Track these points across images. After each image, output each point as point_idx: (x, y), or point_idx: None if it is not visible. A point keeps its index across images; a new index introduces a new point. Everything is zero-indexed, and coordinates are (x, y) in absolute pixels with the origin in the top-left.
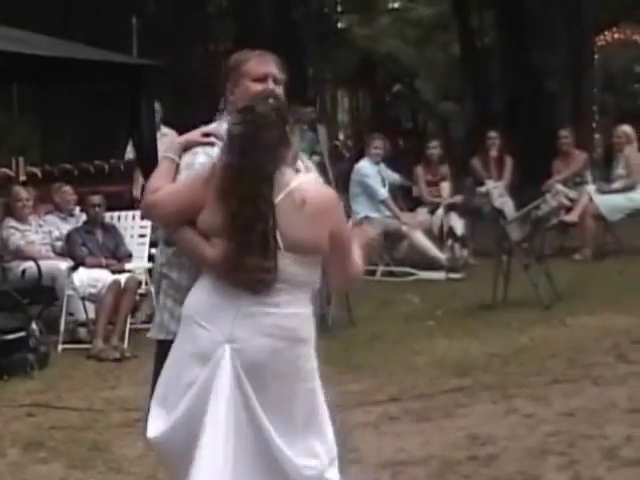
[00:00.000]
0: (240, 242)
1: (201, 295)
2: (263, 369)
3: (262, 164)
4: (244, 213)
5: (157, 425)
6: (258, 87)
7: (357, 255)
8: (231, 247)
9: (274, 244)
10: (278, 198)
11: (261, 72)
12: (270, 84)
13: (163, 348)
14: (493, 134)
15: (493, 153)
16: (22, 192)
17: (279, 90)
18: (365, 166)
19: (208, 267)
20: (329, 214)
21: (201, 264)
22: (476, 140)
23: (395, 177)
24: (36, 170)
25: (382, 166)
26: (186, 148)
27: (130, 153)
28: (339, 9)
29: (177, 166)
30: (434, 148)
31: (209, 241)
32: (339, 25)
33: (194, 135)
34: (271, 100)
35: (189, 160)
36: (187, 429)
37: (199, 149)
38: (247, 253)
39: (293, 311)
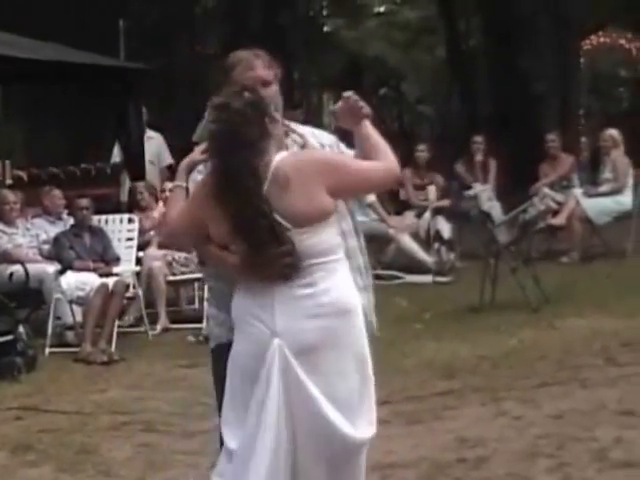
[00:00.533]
0: (251, 241)
1: (241, 299)
2: (316, 351)
3: (245, 161)
4: (243, 214)
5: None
6: None
7: (381, 153)
8: (246, 249)
9: (281, 229)
10: (266, 185)
11: (246, 78)
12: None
13: (214, 354)
14: (478, 139)
15: (478, 158)
16: (9, 195)
17: (270, 90)
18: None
19: (236, 274)
20: (315, 176)
21: (230, 273)
22: (463, 143)
23: None
24: (22, 174)
25: None
26: (190, 169)
27: (117, 156)
28: (325, 13)
29: (187, 190)
30: (421, 151)
31: (229, 249)
32: (325, 29)
33: (194, 154)
34: (246, 94)
35: (194, 177)
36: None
37: (201, 166)
38: (262, 248)
39: (330, 285)
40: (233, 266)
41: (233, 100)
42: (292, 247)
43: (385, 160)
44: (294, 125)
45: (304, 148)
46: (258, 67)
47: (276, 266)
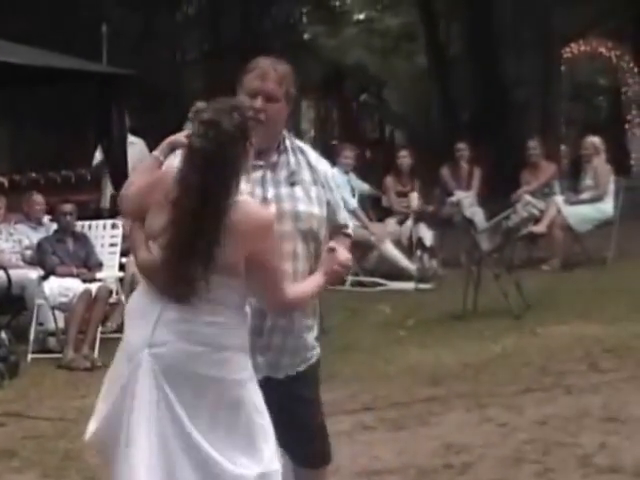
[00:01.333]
0: (178, 252)
1: (136, 296)
2: (180, 373)
3: (223, 181)
4: (189, 228)
5: (92, 421)
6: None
7: (302, 285)
8: (166, 256)
9: (210, 264)
10: (226, 218)
11: (253, 88)
12: (258, 102)
13: None
14: (462, 145)
15: (463, 164)
16: None
17: (274, 106)
18: (335, 176)
19: (139, 268)
20: (253, 236)
21: (136, 264)
22: (444, 150)
23: (364, 187)
24: (3, 179)
25: (352, 175)
26: (172, 149)
27: (98, 160)
28: (305, 20)
29: (160, 164)
30: (404, 157)
31: (148, 241)
32: (305, 36)
33: (180, 136)
34: (236, 115)
35: (169, 162)
36: (112, 426)
37: (181, 151)
38: (181, 266)
39: (213, 320)
40: (140, 260)
41: (223, 120)
42: (204, 285)
43: (293, 292)
44: (299, 143)
45: (295, 174)
46: (269, 80)
47: (178, 288)
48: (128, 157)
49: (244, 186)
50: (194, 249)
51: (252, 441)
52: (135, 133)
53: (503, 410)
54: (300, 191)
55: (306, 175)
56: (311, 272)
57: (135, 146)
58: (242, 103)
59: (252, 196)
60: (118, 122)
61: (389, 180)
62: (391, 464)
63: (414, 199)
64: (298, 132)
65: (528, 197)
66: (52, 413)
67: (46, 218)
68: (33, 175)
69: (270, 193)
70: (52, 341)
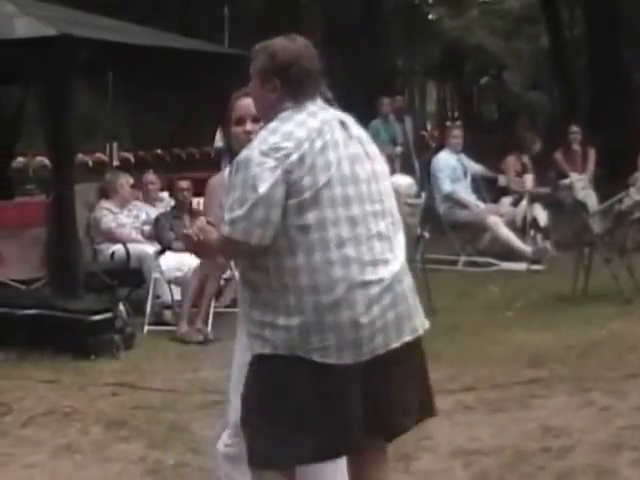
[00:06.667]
0: None
1: None
2: None
3: None
4: None
5: None
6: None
7: None
8: None
9: None
10: None
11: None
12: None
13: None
14: (575, 128)
15: (575, 147)
16: (121, 176)
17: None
18: (440, 159)
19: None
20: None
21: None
22: (560, 133)
23: (478, 168)
24: (129, 155)
25: (462, 156)
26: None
27: (219, 141)
28: (430, 1)
29: None
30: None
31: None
32: (429, 17)
33: None
34: None
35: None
36: None
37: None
38: None
39: None
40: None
41: None
42: None
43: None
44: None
45: None
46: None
47: None
48: None
49: None
50: None
51: None
52: None
53: (605, 395)
54: None
55: None
56: None
57: None
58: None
59: None
60: None
61: (510, 160)
62: (488, 445)
63: (529, 180)
64: (423, 113)
65: None
66: (163, 385)
67: (165, 194)
68: (158, 152)
69: None
70: (168, 314)
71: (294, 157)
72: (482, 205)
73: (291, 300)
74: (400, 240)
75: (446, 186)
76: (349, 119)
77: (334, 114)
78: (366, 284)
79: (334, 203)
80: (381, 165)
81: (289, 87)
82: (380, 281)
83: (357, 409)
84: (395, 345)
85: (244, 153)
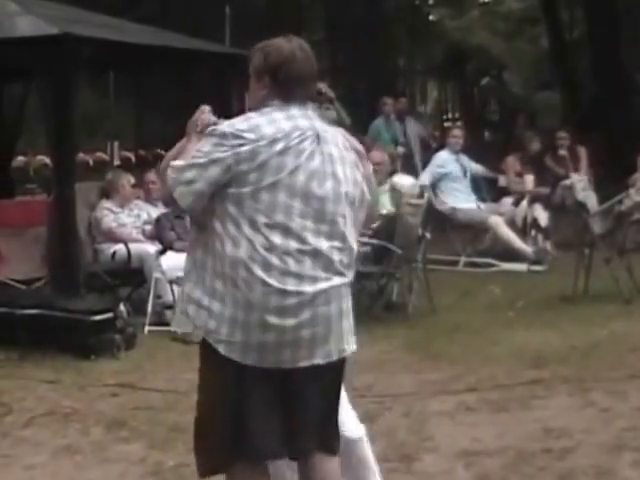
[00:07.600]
0: None
1: None
2: None
3: None
4: None
5: None
6: None
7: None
8: None
9: None
10: None
11: None
12: None
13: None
14: (562, 134)
15: (562, 152)
16: (122, 176)
17: None
18: (438, 156)
19: None
20: None
21: None
22: (550, 137)
23: (478, 168)
24: (130, 155)
25: (462, 156)
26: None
27: None
28: (430, 2)
29: None
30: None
31: None
32: (430, 18)
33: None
34: None
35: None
36: None
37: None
38: None
39: None
40: None
41: None
42: None
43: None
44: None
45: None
46: None
47: None
48: None
49: None
50: None
51: None
52: None
53: (606, 395)
54: None
55: None
56: None
57: None
58: None
59: None
60: (238, 103)
61: (510, 160)
62: (490, 446)
63: (529, 180)
64: (424, 113)
65: None
66: (164, 385)
67: None
68: (158, 151)
69: None
70: (169, 314)
71: (246, 149)
72: (479, 205)
73: (218, 285)
74: (346, 265)
75: (424, 177)
76: (334, 136)
77: (314, 126)
78: (283, 293)
79: (274, 208)
80: (352, 189)
81: (277, 87)
82: (299, 294)
83: (266, 417)
84: (304, 364)
85: (220, 126)
